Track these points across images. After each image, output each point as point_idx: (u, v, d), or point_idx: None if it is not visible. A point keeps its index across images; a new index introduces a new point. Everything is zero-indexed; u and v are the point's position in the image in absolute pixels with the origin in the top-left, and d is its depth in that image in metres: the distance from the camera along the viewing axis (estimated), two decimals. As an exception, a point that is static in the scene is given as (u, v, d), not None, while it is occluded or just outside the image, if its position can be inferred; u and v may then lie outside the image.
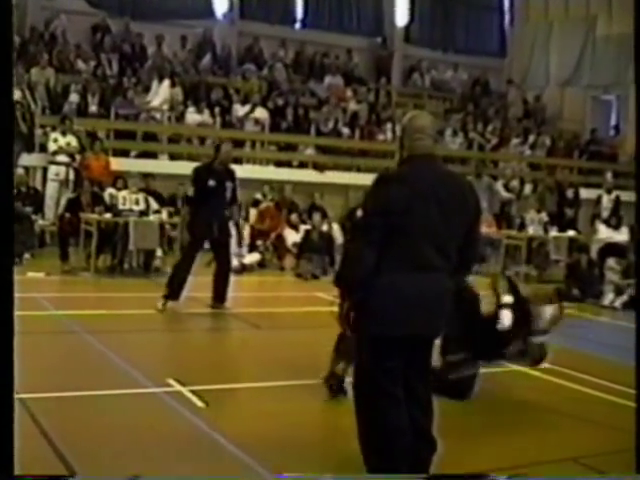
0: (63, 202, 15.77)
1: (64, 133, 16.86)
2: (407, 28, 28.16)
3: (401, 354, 5.11)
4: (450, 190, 5.07)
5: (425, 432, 5.30)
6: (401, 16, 27.89)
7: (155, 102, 20.44)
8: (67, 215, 14.69)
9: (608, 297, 14.08)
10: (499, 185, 21.11)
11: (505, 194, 20.98)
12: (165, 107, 20.57)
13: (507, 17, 30.33)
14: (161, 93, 20.59)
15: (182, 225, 12.30)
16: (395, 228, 4.88)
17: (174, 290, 11.30)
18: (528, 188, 21.30)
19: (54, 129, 17.17)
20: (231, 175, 11.71)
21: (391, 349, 5.07)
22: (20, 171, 16.08)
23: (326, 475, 4.99)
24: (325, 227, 17.10)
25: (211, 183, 11.31)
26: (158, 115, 20.39)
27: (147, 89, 20.92)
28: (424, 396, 5.34)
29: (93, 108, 19.39)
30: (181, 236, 12.30)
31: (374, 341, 5.07)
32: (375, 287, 4.95)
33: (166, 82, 20.69)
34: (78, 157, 16.98)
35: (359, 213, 5.45)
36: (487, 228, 19.37)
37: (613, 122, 29.22)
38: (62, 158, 16.76)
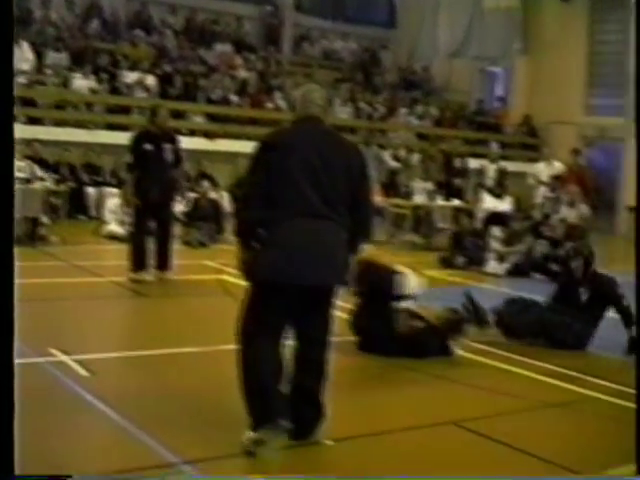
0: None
1: None
2: (297, -4, 28.17)
3: (285, 303, 5.29)
4: (334, 149, 5.39)
5: (309, 393, 5.46)
6: (291, -16, 27.86)
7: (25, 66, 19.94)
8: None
9: (491, 265, 14.36)
10: (387, 154, 21.31)
11: (393, 163, 21.20)
12: (49, 72, 20.18)
13: (396, -12, 30.55)
14: (24, 57, 20.05)
15: (125, 193, 11.84)
16: (273, 175, 5.17)
17: (136, 261, 11.11)
18: (415, 157, 21.55)
19: None
20: (170, 137, 11.57)
21: (274, 297, 5.27)
22: None
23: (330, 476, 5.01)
24: (214, 195, 17.04)
25: (147, 147, 11.16)
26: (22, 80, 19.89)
27: (35, 54, 20.49)
28: (312, 355, 5.47)
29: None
30: (126, 202, 11.74)
31: (258, 287, 5.30)
32: (265, 236, 5.19)
33: (24, 45, 20.16)
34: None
35: None
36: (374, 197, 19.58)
37: (499, 93, 29.73)
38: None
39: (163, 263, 11.32)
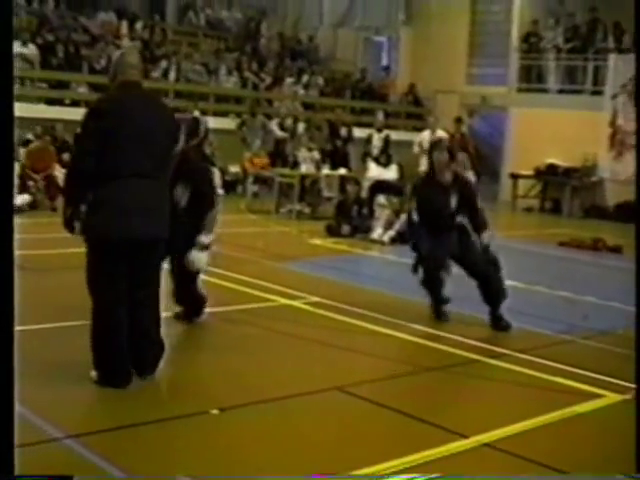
0: None
1: None
2: (180, -37, 27.87)
3: (120, 258, 5.85)
4: (157, 114, 6.06)
5: (148, 332, 6.08)
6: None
7: None
8: None
9: (377, 232, 14.53)
10: (273, 124, 21.36)
11: (279, 132, 21.28)
12: None
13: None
14: None
15: None
16: (107, 137, 5.67)
17: None
18: (301, 127, 21.62)
19: None
20: None
21: (110, 253, 5.82)
22: None
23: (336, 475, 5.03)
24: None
25: None
26: None
27: None
28: (147, 299, 6.05)
29: None
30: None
31: (95, 245, 5.87)
32: (95, 195, 5.74)
33: None
34: None
35: None
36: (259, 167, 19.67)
37: (384, 63, 29.98)
38: None
39: None
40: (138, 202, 5.79)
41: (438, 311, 8.68)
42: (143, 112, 5.91)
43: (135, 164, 5.77)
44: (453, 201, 8.54)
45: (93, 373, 5.97)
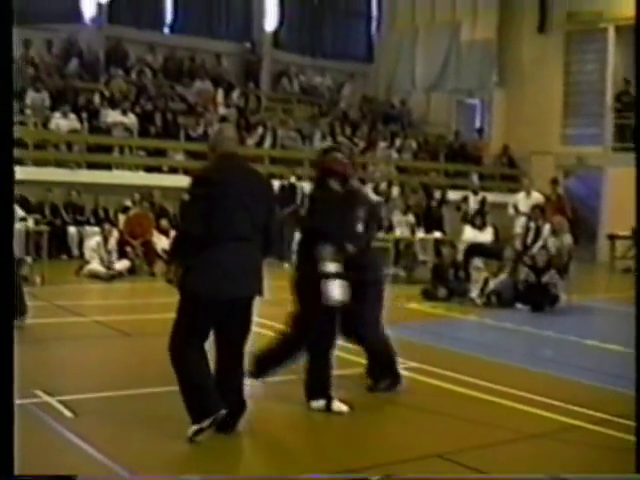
0: None
1: None
2: (276, 33, 28.36)
3: (214, 314, 6.24)
4: (255, 181, 6.54)
5: (238, 389, 6.41)
6: (270, 21, 28.07)
7: None
8: None
9: (474, 296, 14.38)
10: (368, 188, 21.40)
11: (374, 197, 21.29)
12: (29, 112, 20.24)
13: (374, 23, 30.78)
14: None
15: None
16: (213, 206, 6.08)
17: None
18: (396, 190, 21.62)
19: None
20: None
21: (204, 310, 6.20)
22: None
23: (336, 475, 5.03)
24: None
25: None
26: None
27: (15, 94, 20.52)
28: (237, 357, 6.44)
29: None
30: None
31: (190, 302, 6.19)
32: (198, 256, 6.11)
33: None
34: None
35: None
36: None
37: (477, 125, 29.92)
38: None
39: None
40: (238, 264, 6.19)
41: None
42: (242, 180, 6.36)
43: (236, 228, 6.18)
44: None
45: (192, 428, 6.14)
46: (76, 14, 24.41)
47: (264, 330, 10.50)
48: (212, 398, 6.17)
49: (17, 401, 6.90)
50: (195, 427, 6.10)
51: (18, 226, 14.47)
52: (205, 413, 6.13)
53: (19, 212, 14.93)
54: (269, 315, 11.50)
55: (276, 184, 20.22)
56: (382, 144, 25.40)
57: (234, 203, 6.18)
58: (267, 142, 23.41)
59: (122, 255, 16.37)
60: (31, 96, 20.87)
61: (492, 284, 14.31)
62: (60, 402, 6.98)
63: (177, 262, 6.33)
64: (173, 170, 20.98)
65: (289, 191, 19.74)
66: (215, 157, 6.51)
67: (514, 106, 27.33)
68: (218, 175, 6.34)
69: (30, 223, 14.98)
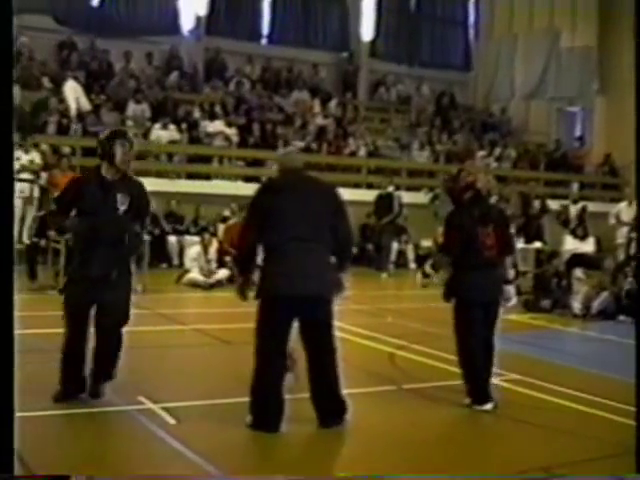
0: (29, 220, 15.64)
1: (27, 151, 16.19)
2: (373, 43, 28.33)
3: (285, 315, 6.58)
4: (314, 189, 7.00)
5: (330, 387, 6.69)
6: (367, 31, 28.07)
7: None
8: (35, 239, 14.65)
9: (576, 307, 14.13)
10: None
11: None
12: (130, 123, 20.58)
13: (472, 31, 30.54)
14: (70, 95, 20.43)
15: None
16: (272, 210, 6.58)
17: None
18: (494, 200, 21.34)
19: (21, 146, 16.94)
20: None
21: (275, 310, 6.58)
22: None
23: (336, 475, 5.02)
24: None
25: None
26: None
27: (117, 106, 20.90)
28: (324, 356, 6.70)
29: (52, 127, 19.41)
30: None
31: (264, 304, 6.63)
32: (265, 259, 6.65)
33: (70, 82, 20.56)
34: (44, 175, 16.78)
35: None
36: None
37: (578, 134, 29.45)
38: (26, 175, 16.50)
39: None
40: (301, 263, 6.54)
41: None
42: (302, 187, 6.91)
43: (297, 230, 6.58)
44: None
45: (248, 418, 6.64)
46: (175, 27, 24.79)
47: (359, 339, 10.46)
48: (272, 402, 6.61)
49: (122, 407, 7.05)
50: (249, 418, 6.62)
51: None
52: (261, 406, 6.64)
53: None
54: (366, 325, 11.53)
55: (373, 194, 20.25)
56: (481, 153, 25.18)
57: (294, 208, 6.64)
58: (364, 151, 23.41)
59: (221, 264, 16.50)
60: (132, 108, 21.21)
61: (597, 304, 13.98)
62: (163, 409, 7.04)
63: (242, 271, 6.98)
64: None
65: (387, 200, 19.70)
66: (280, 172, 7.11)
67: (616, 113, 26.81)
68: (279, 184, 7.03)
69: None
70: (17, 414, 6.57)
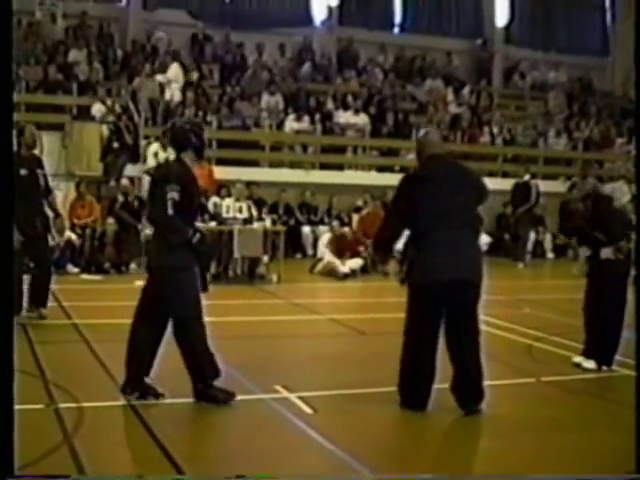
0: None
1: (164, 147, 15.93)
2: (507, 28, 27.85)
3: (433, 300, 6.63)
4: (459, 173, 7.06)
5: (468, 372, 6.72)
6: (501, 17, 27.60)
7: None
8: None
9: None
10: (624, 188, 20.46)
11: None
12: (264, 114, 20.76)
13: (609, 14, 29.70)
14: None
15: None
16: (422, 201, 6.69)
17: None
18: (634, 188, 20.75)
19: (157, 139, 17.23)
20: (39, 162, 10.45)
21: (424, 295, 6.66)
22: (125, 181, 16.30)
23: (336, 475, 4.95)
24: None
25: (23, 172, 9.93)
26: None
27: (250, 98, 21.08)
28: (466, 343, 6.75)
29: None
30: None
31: (417, 287, 6.70)
32: (416, 248, 6.72)
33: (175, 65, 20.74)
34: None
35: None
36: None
37: None
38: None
39: (43, 299, 10.29)
40: (450, 250, 6.62)
41: None
42: (448, 175, 6.92)
43: (446, 218, 6.66)
44: None
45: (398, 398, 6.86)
46: (308, 18, 24.90)
47: (495, 330, 10.27)
48: (417, 376, 6.78)
49: (258, 396, 7.07)
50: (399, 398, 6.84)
51: (255, 226, 14.87)
52: (409, 388, 6.83)
53: (255, 212, 15.33)
54: (503, 316, 11.32)
55: (509, 182, 19.91)
56: (620, 140, 24.51)
57: (444, 195, 6.70)
58: (500, 140, 23.07)
59: (354, 254, 16.48)
60: (266, 99, 21.35)
61: None
62: (299, 398, 7.03)
63: (379, 255, 7.42)
64: (405, 170, 20.87)
65: (523, 189, 19.35)
66: (423, 159, 7.07)
67: None
68: (425, 173, 7.00)
69: (267, 223, 15.33)
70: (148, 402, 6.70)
